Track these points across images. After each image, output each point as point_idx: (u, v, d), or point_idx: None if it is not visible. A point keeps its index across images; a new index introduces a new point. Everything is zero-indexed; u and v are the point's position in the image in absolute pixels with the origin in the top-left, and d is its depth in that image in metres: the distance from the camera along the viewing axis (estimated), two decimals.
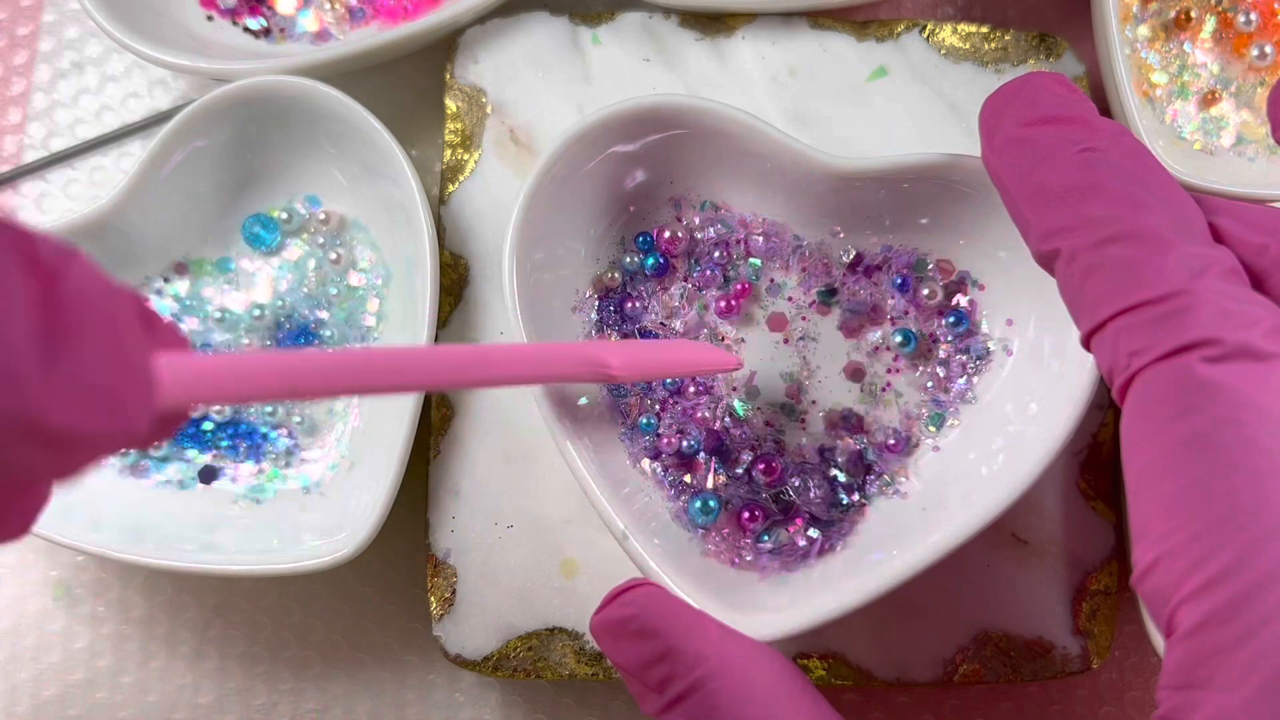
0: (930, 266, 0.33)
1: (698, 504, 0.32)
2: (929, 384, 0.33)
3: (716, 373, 0.31)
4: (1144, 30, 0.37)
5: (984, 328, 0.33)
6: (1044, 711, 0.36)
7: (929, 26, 0.37)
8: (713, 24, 0.37)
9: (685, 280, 0.34)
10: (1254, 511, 0.18)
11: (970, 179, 0.31)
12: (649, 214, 0.34)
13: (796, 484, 0.32)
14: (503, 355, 0.23)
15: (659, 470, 0.33)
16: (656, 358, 0.28)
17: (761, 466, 0.32)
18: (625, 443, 0.33)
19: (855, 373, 0.33)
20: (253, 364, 0.18)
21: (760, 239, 0.34)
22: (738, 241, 0.34)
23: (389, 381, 0.21)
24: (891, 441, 0.32)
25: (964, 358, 0.33)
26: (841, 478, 0.32)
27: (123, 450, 0.16)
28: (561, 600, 0.33)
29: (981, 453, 0.31)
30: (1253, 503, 0.18)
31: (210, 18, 0.39)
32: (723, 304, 0.33)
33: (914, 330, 0.33)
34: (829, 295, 0.33)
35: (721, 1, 0.36)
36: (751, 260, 0.34)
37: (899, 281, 0.33)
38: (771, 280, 0.34)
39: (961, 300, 0.33)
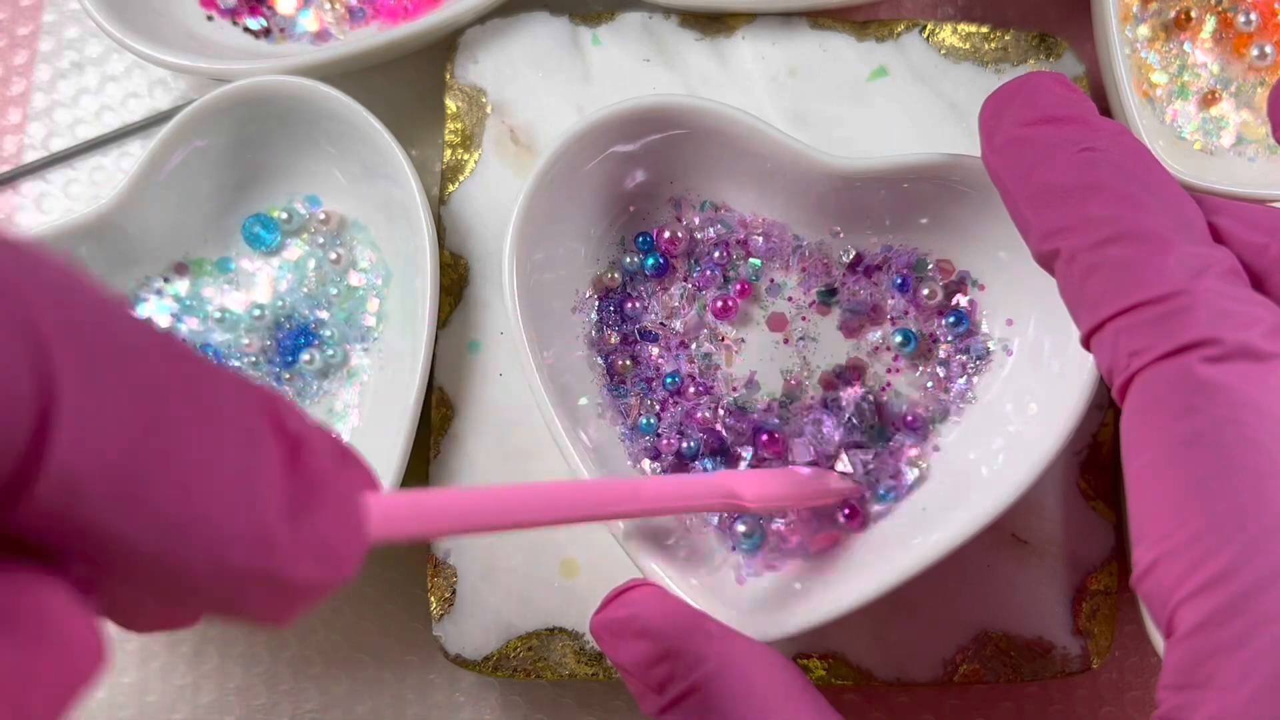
0: (930, 266, 0.33)
1: None
2: (929, 384, 0.33)
3: (839, 499, 0.32)
4: (1144, 30, 0.37)
5: (984, 328, 0.33)
6: (1044, 711, 0.36)
7: (929, 26, 0.37)
8: (713, 24, 0.37)
9: (685, 280, 0.34)
10: (1254, 511, 0.18)
11: (970, 179, 0.31)
12: (649, 214, 0.34)
13: (809, 430, 0.32)
14: (652, 490, 0.26)
15: (659, 470, 0.33)
16: (785, 491, 0.29)
17: (764, 438, 0.32)
18: (625, 443, 0.33)
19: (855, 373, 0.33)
20: (433, 503, 0.20)
21: (760, 239, 0.34)
22: (738, 242, 0.34)
23: (556, 516, 0.23)
24: (910, 418, 0.32)
25: (964, 358, 0.33)
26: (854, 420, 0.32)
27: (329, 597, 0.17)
28: (561, 600, 0.33)
29: (981, 453, 0.31)
30: (1253, 502, 0.18)
31: (210, 18, 0.39)
32: (719, 305, 0.33)
33: (914, 330, 0.33)
34: (829, 295, 0.33)
35: (721, 1, 0.36)
36: (751, 260, 0.34)
37: (899, 281, 0.33)
38: (771, 280, 0.34)
39: (961, 300, 0.33)
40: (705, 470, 0.32)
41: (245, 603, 0.15)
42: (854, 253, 0.33)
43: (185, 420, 0.13)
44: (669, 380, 0.33)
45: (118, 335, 0.13)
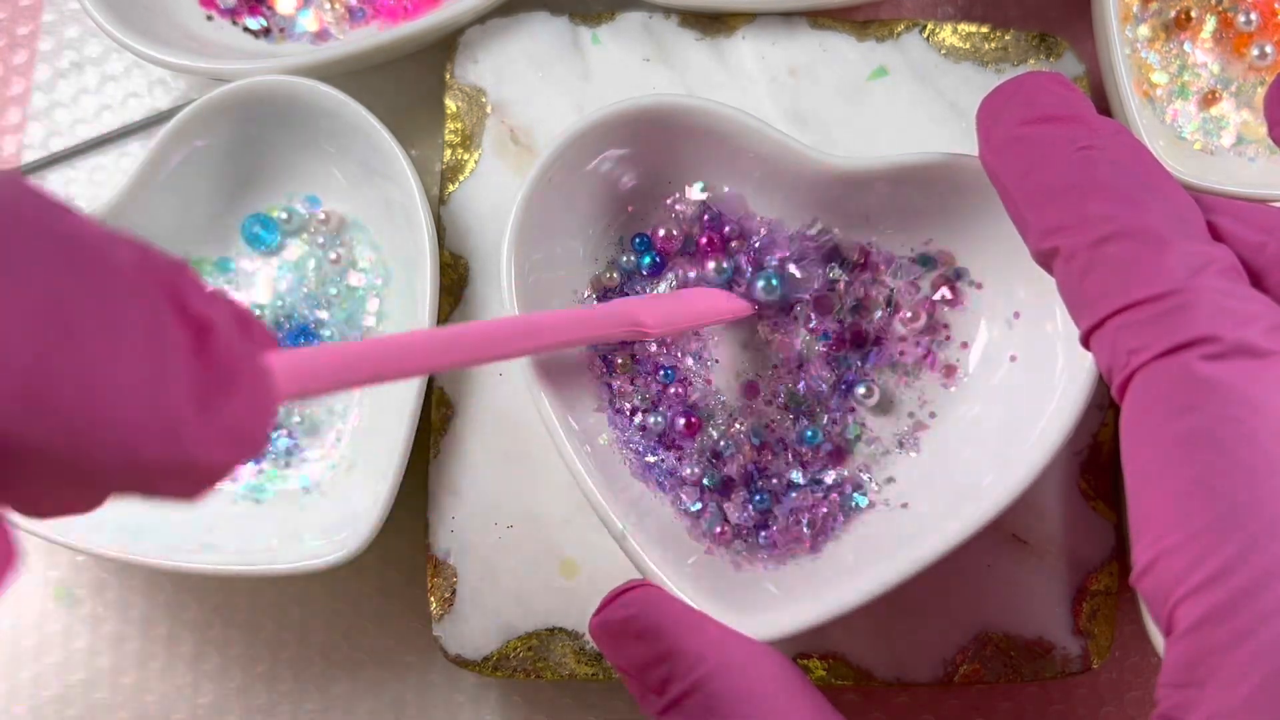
0: (932, 256, 0.33)
1: (698, 507, 0.32)
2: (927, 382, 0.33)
3: (731, 319, 0.32)
4: (1144, 30, 0.37)
5: (983, 325, 0.33)
6: (1044, 711, 0.36)
7: (929, 26, 0.37)
8: (713, 24, 0.37)
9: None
10: (1253, 509, 0.18)
11: (970, 178, 0.31)
12: (647, 214, 0.34)
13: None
14: (550, 323, 0.26)
15: (652, 466, 0.33)
16: (681, 311, 0.30)
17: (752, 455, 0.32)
18: (624, 442, 0.33)
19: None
20: (329, 356, 0.20)
21: (758, 238, 0.34)
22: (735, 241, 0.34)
23: (456, 359, 0.23)
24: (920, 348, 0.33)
25: (964, 355, 0.33)
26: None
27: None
28: (561, 600, 0.33)
29: (981, 453, 0.31)
30: (1252, 500, 0.18)
31: (210, 17, 0.39)
32: None
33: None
34: (828, 259, 0.33)
35: (721, 1, 0.36)
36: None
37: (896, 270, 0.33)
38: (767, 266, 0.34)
39: (948, 294, 0.33)
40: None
41: (157, 488, 0.15)
42: (856, 248, 0.33)
43: (88, 324, 0.14)
44: (665, 375, 0.33)
45: (11, 245, 0.13)
